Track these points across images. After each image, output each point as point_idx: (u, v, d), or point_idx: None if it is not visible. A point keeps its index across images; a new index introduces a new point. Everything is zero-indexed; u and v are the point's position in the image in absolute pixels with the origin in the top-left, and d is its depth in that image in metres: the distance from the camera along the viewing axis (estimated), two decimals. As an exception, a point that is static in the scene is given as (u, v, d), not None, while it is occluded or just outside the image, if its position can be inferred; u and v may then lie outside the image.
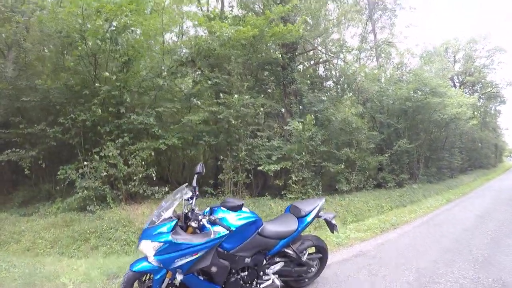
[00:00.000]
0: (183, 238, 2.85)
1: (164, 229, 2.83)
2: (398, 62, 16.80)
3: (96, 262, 5.14)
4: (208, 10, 11.55)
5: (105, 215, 6.98)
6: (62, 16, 7.47)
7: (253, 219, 3.30)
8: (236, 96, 8.12)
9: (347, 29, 15.50)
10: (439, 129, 16.58)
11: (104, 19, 7.46)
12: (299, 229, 3.65)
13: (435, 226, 7.71)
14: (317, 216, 3.93)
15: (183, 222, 3.07)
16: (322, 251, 4.09)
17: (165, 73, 8.14)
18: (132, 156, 7.59)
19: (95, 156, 7.45)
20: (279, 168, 8.74)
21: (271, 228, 3.44)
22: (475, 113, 22.59)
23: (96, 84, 7.60)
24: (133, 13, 7.79)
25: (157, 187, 7.75)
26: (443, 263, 5.01)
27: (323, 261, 4.14)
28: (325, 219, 4.02)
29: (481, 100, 28.68)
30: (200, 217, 2.96)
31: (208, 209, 3.33)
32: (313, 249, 4.07)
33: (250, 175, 8.81)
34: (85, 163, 7.53)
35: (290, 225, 3.62)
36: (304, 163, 9.21)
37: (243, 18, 9.59)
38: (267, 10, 8.94)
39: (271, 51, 10.67)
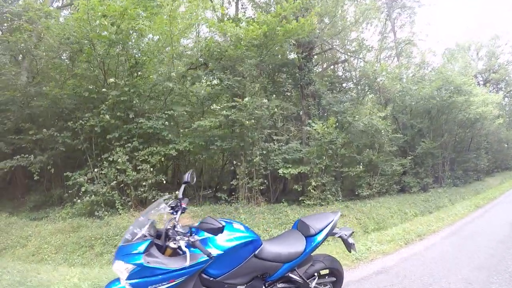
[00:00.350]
0: (157, 261, 2.30)
1: (140, 248, 2.30)
2: (421, 61, 15.90)
3: (92, 272, 4.82)
4: (222, 15, 11.14)
5: (113, 221, 6.71)
6: (69, 21, 7.30)
7: (249, 239, 2.65)
8: (246, 98, 7.60)
9: (366, 28, 14.71)
10: (464, 130, 15.61)
11: (110, 22, 7.18)
12: (307, 250, 2.96)
13: (466, 237, 6.87)
14: (331, 234, 3.23)
15: (164, 241, 2.49)
16: (336, 274, 3.38)
17: (174, 74, 7.70)
18: (141, 161, 7.25)
19: (104, 162, 7.25)
20: (297, 172, 8.15)
21: (272, 249, 2.79)
22: (501, 112, 21.31)
23: (103, 90, 7.31)
24: (140, 17, 7.53)
25: (168, 193, 7.35)
26: (477, 283, 4.23)
27: (336, 285, 3.42)
28: (340, 237, 3.32)
29: (506, 99, 27.15)
30: (178, 237, 2.38)
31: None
32: (326, 271, 3.36)
33: (265, 181, 8.22)
34: (95, 169, 7.35)
35: (296, 245, 2.94)
36: (323, 168, 8.57)
37: (256, 20, 9.06)
38: (278, 6, 8.34)
39: (287, 52, 10.07)
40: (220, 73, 8.28)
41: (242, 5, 11.58)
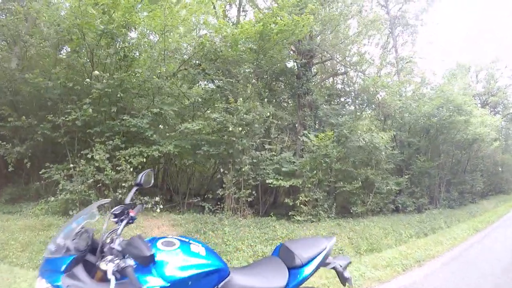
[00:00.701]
0: (78, 286, 1.64)
1: (61, 266, 1.68)
2: (421, 79, 15.40)
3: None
4: (223, 18, 10.62)
5: (86, 223, 5.96)
6: (60, 7, 6.76)
7: (211, 267, 1.95)
8: (240, 99, 6.95)
9: (369, 42, 14.24)
10: (460, 151, 15.08)
11: (101, 11, 6.64)
12: (290, 286, 2.22)
13: (468, 264, 6.21)
14: (323, 264, 2.50)
15: (97, 258, 1.83)
16: None
17: (164, 69, 7.09)
18: (121, 161, 6.62)
19: (82, 159, 6.63)
20: (288, 185, 7.47)
21: (243, 281, 2.08)
22: (497, 135, 20.85)
23: (86, 80, 6.73)
24: (136, 9, 7.06)
25: (148, 197, 6.74)
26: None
27: None
28: (334, 269, 2.57)
29: (503, 122, 26.71)
30: (109, 257, 1.71)
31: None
32: None
33: (254, 192, 7.52)
34: (71, 165, 6.71)
35: (275, 279, 2.20)
36: (316, 182, 7.90)
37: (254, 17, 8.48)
38: (274, 7, 7.75)
39: (286, 58, 9.47)
40: (213, 73, 7.64)
41: (242, 7, 11.07)
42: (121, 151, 6.70)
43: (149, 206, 6.55)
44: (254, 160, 7.37)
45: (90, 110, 6.63)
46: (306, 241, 2.66)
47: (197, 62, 8.19)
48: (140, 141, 7.18)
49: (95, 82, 6.73)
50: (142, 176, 2.20)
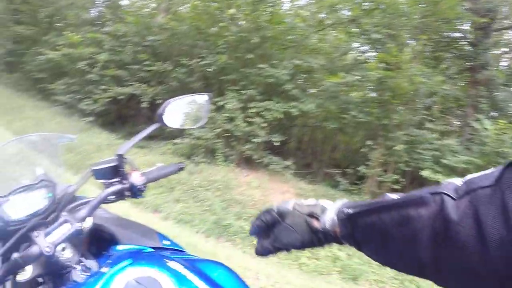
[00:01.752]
0: None
1: None
2: None
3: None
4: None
5: (206, 171, 5.60)
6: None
7: None
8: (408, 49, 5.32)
9: None
10: None
11: None
12: None
13: None
14: None
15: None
16: None
17: (304, 12, 6.05)
18: (254, 113, 5.83)
19: (214, 105, 6.01)
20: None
21: None
22: None
23: (221, 24, 6.11)
24: None
25: (278, 158, 5.88)
26: None
27: None
28: None
29: None
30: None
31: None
32: None
33: (402, 179, 5.77)
34: None
35: None
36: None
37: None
38: None
39: (459, 18, 7.20)
40: (367, 24, 6.14)
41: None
42: (255, 103, 5.89)
43: (279, 168, 5.64)
44: (413, 138, 5.69)
45: (225, 56, 6.06)
46: None
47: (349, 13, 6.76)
48: (278, 95, 6.27)
49: (230, 26, 6.12)
50: (165, 106, 0.92)
